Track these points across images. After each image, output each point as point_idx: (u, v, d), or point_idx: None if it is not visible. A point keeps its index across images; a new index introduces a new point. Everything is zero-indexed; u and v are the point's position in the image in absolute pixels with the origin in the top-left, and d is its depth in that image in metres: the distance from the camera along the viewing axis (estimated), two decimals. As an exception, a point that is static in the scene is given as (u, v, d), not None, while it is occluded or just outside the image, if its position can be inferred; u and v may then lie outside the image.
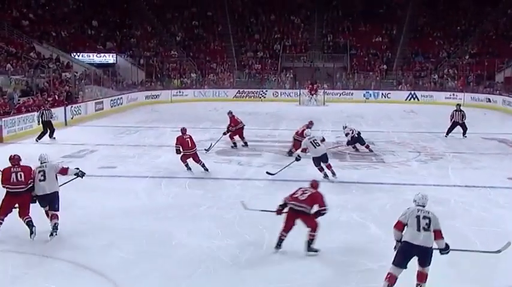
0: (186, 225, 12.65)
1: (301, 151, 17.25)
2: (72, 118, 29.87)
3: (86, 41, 47.96)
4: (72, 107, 30.66)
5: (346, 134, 21.57)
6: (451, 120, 25.67)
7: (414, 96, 42.54)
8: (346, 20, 52.07)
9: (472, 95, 39.95)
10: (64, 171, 12.61)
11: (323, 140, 17.52)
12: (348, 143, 21.74)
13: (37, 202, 12.11)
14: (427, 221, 8.49)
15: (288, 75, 47.43)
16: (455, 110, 25.79)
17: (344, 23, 52.02)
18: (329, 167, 16.93)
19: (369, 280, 9.67)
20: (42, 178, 11.97)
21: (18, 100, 27.54)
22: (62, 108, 29.58)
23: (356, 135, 21.21)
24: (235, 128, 22.62)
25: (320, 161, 16.75)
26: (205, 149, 19.16)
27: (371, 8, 51.56)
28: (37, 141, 23.41)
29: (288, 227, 10.97)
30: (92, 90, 36.31)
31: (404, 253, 8.60)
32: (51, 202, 12.15)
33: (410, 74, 45.68)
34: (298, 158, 17.21)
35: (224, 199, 14.70)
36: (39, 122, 24.32)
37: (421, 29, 50.33)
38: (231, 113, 23.07)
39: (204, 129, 27.58)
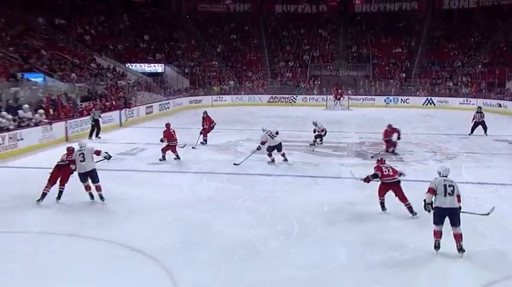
0: (225, 216, 12.67)
1: (261, 144, 18.56)
2: (126, 120, 30.16)
3: (139, 53, 48.45)
4: (126, 110, 31.03)
5: (314, 131, 22.83)
6: (473, 121, 26.00)
7: (431, 101, 42.09)
8: (369, 33, 51.85)
9: (484, 101, 39.28)
10: (98, 152, 14.13)
11: (277, 133, 18.85)
12: (316, 137, 22.83)
13: (79, 177, 13.70)
14: (452, 188, 10.00)
15: (315, 82, 47.34)
16: (477, 112, 26.27)
17: (367, 35, 51.81)
18: (283, 155, 18.63)
19: (390, 265, 9.63)
20: (82, 159, 13.51)
21: (81, 105, 27.84)
22: (118, 111, 30.03)
23: (322, 133, 22.85)
24: (209, 126, 23.12)
25: (275, 149, 18.37)
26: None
27: (392, 23, 51.34)
28: (89, 138, 23.83)
29: (382, 194, 12.77)
30: (143, 96, 36.61)
31: (439, 215, 10.00)
32: (92, 177, 13.66)
33: (427, 82, 45.25)
34: (258, 148, 18.68)
35: (258, 193, 14.64)
36: (92, 120, 24.99)
37: (437, 40, 49.87)
38: (206, 113, 23.60)
39: (240, 131, 27.69)
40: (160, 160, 18.85)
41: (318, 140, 22.64)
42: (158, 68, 46.99)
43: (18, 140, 20.13)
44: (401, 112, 38.08)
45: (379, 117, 33.98)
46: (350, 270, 9.50)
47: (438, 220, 10.00)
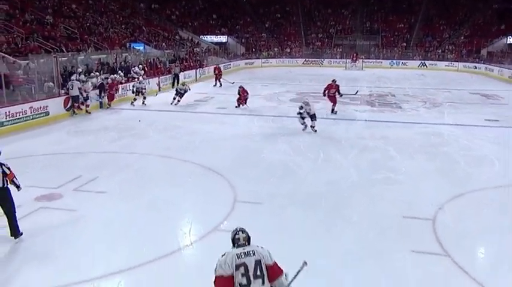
0: (270, 146, 12.83)
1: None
2: (200, 77, 30.21)
3: (209, 28, 48.17)
4: (200, 70, 31.06)
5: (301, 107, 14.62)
6: None
7: (424, 64, 41.03)
8: (379, 12, 50.18)
9: (464, 64, 38.74)
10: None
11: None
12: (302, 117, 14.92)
13: None
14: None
15: (338, 49, 46.52)
16: None
17: (378, 14, 50.16)
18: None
19: (388, 183, 9.76)
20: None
21: (169, 66, 28.07)
22: (194, 70, 30.09)
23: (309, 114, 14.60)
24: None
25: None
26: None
27: (397, 4, 49.46)
28: (173, 87, 24.12)
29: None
30: (212, 59, 36.60)
31: None
32: None
33: (421, 49, 44.05)
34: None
35: (293, 130, 14.66)
36: (173, 74, 26.10)
37: (431, 18, 48.09)
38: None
39: (281, 85, 27.38)
40: (236, 107, 18.80)
41: (305, 121, 14.49)
42: (223, 38, 46.80)
43: (127, 90, 20.54)
44: (402, 72, 37.22)
45: (385, 75, 33.52)
46: (359, 186, 9.63)
47: None
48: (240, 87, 19.44)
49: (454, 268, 6.32)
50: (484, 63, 37.26)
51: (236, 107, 18.77)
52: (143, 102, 19.30)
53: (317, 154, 11.99)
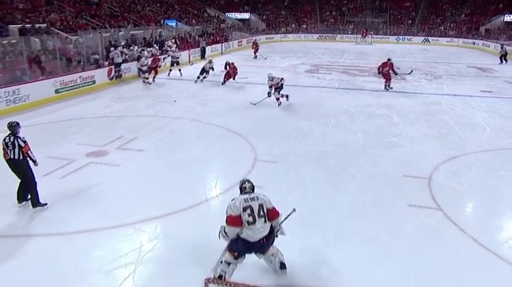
0: (285, 112, 12.81)
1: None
2: (225, 50, 29.99)
3: (234, 6, 47.42)
4: (225, 43, 30.78)
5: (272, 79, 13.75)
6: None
7: (427, 40, 39.85)
8: (388, -8, 49.09)
9: (463, 40, 37.65)
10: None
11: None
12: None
13: None
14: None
15: (349, 26, 45.47)
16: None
17: (386, -7, 49.12)
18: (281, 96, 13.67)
19: (390, 146, 9.73)
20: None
21: (198, 40, 27.91)
22: (220, 44, 29.81)
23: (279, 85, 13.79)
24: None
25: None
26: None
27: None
28: (202, 59, 24.23)
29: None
30: (236, 34, 36.17)
31: None
32: None
33: (425, 26, 42.82)
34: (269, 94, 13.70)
35: (307, 98, 14.62)
36: (201, 48, 26.01)
37: (435, -3, 46.89)
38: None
39: (298, 57, 27.06)
40: (222, 83, 17.06)
41: (276, 93, 13.60)
42: (246, 15, 46.09)
43: (162, 62, 20.46)
44: (407, 47, 36.33)
45: (391, 50, 32.79)
46: (366, 148, 9.64)
47: None
48: (230, 63, 17.63)
49: (445, 220, 6.39)
50: (481, 40, 36.21)
51: (222, 83, 17.02)
52: (180, 72, 19.28)
53: (328, 119, 11.96)
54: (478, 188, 7.62)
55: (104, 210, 6.61)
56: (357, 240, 5.86)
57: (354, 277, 5.06)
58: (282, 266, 4.90)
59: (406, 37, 41.36)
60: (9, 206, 6.67)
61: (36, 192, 6.59)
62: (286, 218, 4.88)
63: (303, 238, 5.75)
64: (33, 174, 6.59)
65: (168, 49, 22.07)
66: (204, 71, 17.89)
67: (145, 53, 19.13)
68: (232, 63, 17.61)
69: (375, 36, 41.46)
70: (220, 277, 4.58)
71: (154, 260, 5.35)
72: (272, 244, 4.78)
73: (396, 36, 41.73)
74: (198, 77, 17.57)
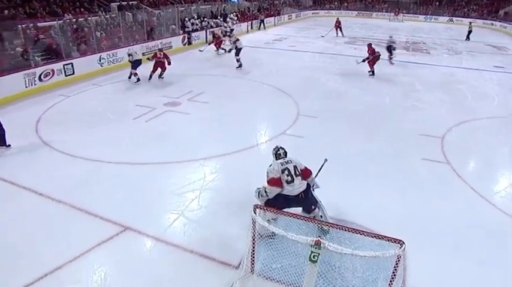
0: (326, 75, 12.46)
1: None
2: (277, 22, 29.07)
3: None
4: (277, 17, 29.80)
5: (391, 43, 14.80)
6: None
7: (452, 20, 36.94)
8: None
9: (483, 21, 34.48)
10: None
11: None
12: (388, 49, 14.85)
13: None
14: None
15: (384, 5, 42.65)
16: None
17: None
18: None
19: (412, 108, 9.33)
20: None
21: (255, 13, 27.17)
22: (273, 17, 28.83)
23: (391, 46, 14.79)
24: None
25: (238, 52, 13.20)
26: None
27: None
28: (259, 29, 23.84)
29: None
30: (287, 10, 34.88)
31: None
32: None
33: (451, 8, 39.50)
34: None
35: (343, 64, 14.03)
36: (259, 20, 25.20)
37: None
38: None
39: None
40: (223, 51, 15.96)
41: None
42: (296, -6, 44.28)
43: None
44: (433, 25, 33.82)
45: (420, 27, 30.71)
46: (390, 109, 9.38)
47: None
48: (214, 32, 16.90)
49: (452, 173, 6.22)
50: (500, 22, 33.08)
51: (223, 50, 15.89)
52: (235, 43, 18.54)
53: (361, 84, 11.59)
54: (483, 148, 7.27)
55: (177, 147, 6.90)
56: (377, 179, 5.93)
57: (372, 205, 5.19)
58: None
59: (433, 16, 38.36)
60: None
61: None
62: (319, 169, 4.60)
63: (333, 177, 5.77)
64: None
65: (229, 20, 21.73)
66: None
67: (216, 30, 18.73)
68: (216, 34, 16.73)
69: (406, 15, 38.69)
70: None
71: (214, 188, 5.60)
72: (315, 203, 4.43)
73: (425, 16, 38.84)
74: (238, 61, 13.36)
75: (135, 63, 11.23)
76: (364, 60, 12.62)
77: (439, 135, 7.65)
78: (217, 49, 16.14)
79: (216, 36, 16.66)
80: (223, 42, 16.58)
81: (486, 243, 4.59)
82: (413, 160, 6.58)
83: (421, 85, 11.64)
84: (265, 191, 4.31)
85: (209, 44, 16.71)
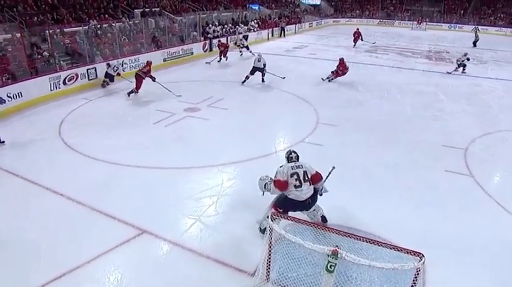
0: (346, 84, 12.30)
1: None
2: (298, 30, 29.07)
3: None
4: (298, 24, 29.86)
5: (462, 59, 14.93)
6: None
7: (477, 28, 36.17)
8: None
9: (510, 29, 33.76)
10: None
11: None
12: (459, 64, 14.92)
13: None
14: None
15: (407, 14, 42.22)
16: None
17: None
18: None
19: (434, 118, 9.19)
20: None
21: (276, 21, 27.34)
22: (294, 25, 28.89)
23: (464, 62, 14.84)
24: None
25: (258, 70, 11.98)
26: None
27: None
28: (279, 37, 24.08)
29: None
30: (307, 17, 34.91)
31: None
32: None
33: (477, 16, 38.76)
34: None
35: (364, 73, 13.92)
36: (280, 28, 25.37)
37: (489, -11, 41.98)
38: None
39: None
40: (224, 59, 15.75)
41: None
42: (317, 1, 43.83)
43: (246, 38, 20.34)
44: (458, 34, 33.17)
45: (443, 36, 30.24)
46: (411, 118, 9.22)
47: None
48: (219, 40, 16.26)
49: (475, 185, 6.05)
50: (527, 31, 32.31)
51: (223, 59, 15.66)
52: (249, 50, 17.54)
53: (382, 93, 11.47)
54: (507, 161, 7.06)
55: (196, 153, 6.95)
56: (397, 190, 5.81)
57: (390, 216, 5.07)
58: (323, 219, 4.72)
59: (458, 25, 37.71)
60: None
61: None
62: (327, 176, 4.51)
63: (351, 187, 5.73)
64: None
65: (250, 28, 21.90)
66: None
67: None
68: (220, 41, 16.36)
69: (430, 23, 38.20)
70: (264, 230, 4.20)
71: (231, 194, 5.61)
72: (316, 202, 4.58)
73: (449, 24, 38.24)
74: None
75: (108, 75, 11.42)
76: (330, 78, 12.60)
77: (463, 146, 7.47)
78: (221, 58, 15.68)
79: (223, 44, 16.07)
80: (227, 51, 15.88)
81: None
82: (435, 172, 6.44)
83: (444, 95, 11.42)
84: (270, 187, 4.44)
85: (219, 56, 15.75)
